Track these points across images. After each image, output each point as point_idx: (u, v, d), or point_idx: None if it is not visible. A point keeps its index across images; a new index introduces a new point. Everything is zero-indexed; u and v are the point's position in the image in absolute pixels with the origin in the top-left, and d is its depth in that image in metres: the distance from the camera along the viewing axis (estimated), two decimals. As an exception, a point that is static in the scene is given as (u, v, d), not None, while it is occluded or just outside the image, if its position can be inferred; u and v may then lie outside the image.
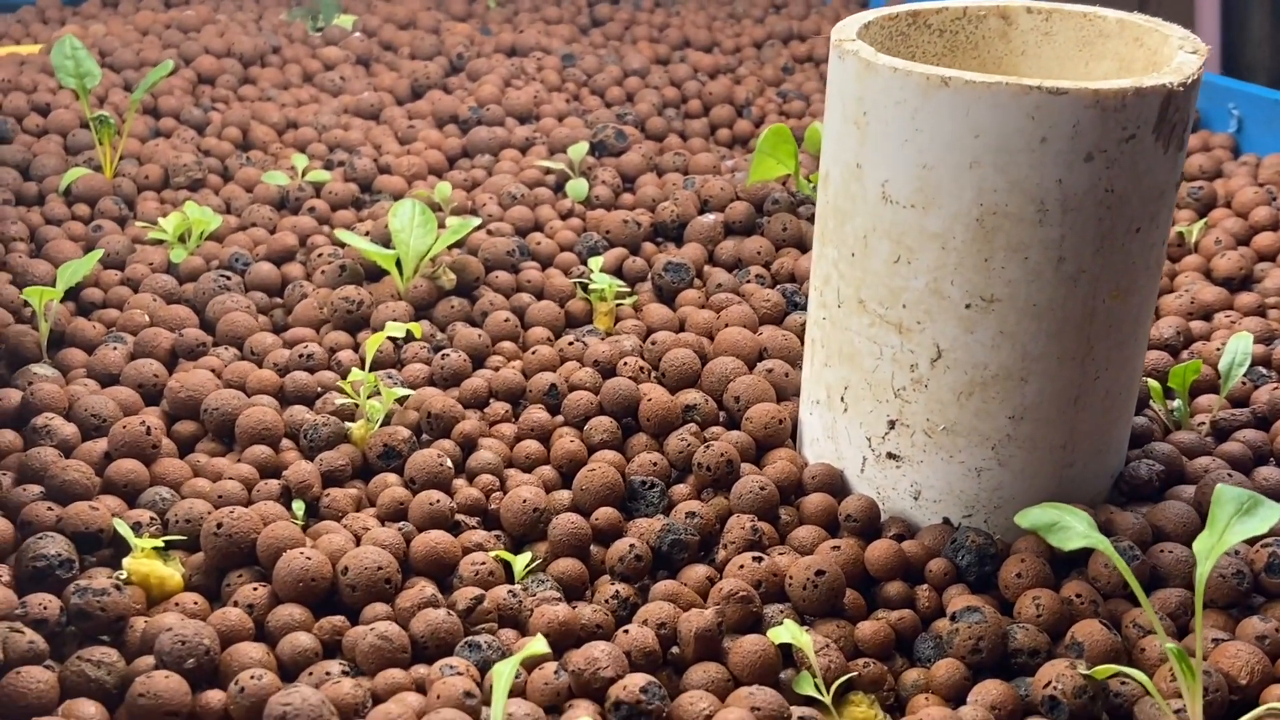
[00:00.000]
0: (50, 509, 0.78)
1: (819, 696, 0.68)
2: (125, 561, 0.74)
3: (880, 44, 0.82)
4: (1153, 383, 0.93)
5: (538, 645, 0.62)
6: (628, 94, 1.53)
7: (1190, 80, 0.73)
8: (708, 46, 1.73)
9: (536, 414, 0.90)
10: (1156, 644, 0.69)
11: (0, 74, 1.43)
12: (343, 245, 1.09)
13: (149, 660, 0.68)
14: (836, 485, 0.84)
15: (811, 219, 1.19)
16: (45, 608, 0.71)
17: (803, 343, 0.94)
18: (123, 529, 0.75)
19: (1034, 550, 0.76)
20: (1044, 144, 0.71)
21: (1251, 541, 0.76)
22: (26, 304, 0.97)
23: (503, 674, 0.60)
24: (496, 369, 0.96)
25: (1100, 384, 0.78)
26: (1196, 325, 1.05)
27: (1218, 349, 0.97)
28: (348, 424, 0.87)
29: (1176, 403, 0.92)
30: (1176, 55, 0.77)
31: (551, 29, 1.79)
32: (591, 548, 0.80)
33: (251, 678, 0.65)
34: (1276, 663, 0.69)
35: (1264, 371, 0.99)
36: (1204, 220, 1.22)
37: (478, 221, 1.11)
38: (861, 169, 0.77)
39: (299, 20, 1.74)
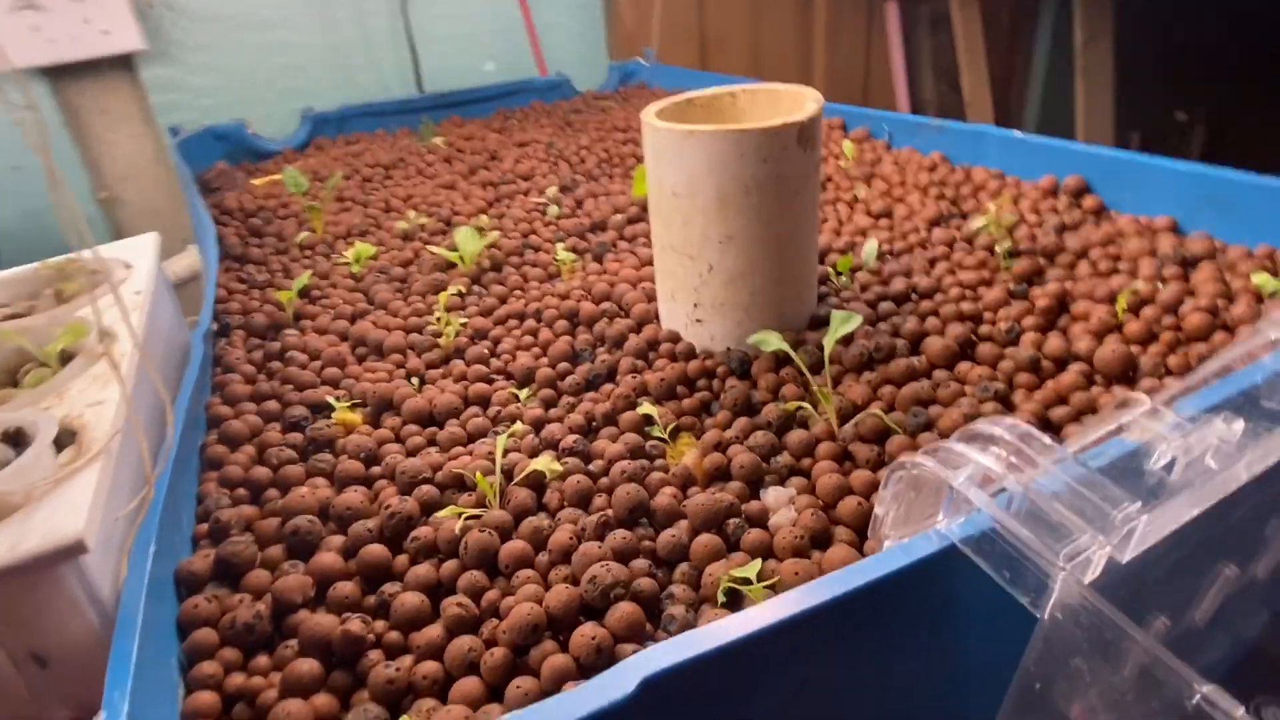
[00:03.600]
0: (296, 393, 0.84)
1: (662, 436, 0.75)
2: (334, 414, 0.80)
3: (670, 117, 0.85)
4: (830, 268, 0.96)
5: (518, 427, 0.69)
6: (581, 158, 1.55)
7: (811, 117, 0.76)
8: (624, 129, 1.73)
9: (530, 323, 0.94)
10: (821, 393, 0.75)
11: (264, 190, 1.47)
12: (432, 253, 1.12)
13: (345, 457, 0.75)
14: (676, 338, 0.86)
15: (670, 210, 1.23)
16: (296, 438, 0.78)
17: (659, 271, 0.98)
18: (331, 400, 0.81)
19: (767, 357, 0.80)
20: (743, 156, 0.74)
21: (856, 337, 0.80)
22: (280, 304, 1.02)
23: (501, 441, 0.67)
24: (511, 304, 1.00)
25: (790, 272, 0.82)
26: (858, 238, 1.08)
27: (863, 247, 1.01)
28: (438, 339, 0.92)
29: (843, 277, 0.96)
30: (808, 106, 0.80)
31: (544, 128, 1.80)
32: (558, 383, 0.83)
33: (392, 458, 0.73)
34: (875, 390, 0.74)
35: (889, 256, 1.02)
36: (868, 184, 1.25)
37: (498, 234, 1.15)
38: (661, 180, 0.80)
39: (415, 143, 1.76)
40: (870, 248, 0.96)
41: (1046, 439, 0.49)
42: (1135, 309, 0.81)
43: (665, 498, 0.63)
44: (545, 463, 0.66)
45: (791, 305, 0.85)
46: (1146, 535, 0.44)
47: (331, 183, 1.28)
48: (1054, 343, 0.77)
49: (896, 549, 0.46)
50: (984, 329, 0.84)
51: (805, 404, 0.72)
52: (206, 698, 0.50)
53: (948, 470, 0.46)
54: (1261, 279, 0.81)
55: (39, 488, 0.50)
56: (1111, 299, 0.83)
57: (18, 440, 0.57)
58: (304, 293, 1.08)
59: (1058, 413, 0.69)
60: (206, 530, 0.64)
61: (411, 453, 0.74)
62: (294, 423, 0.79)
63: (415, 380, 0.86)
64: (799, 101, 0.84)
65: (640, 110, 1.91)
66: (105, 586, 0.53)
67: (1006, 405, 0.71)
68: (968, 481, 0.45)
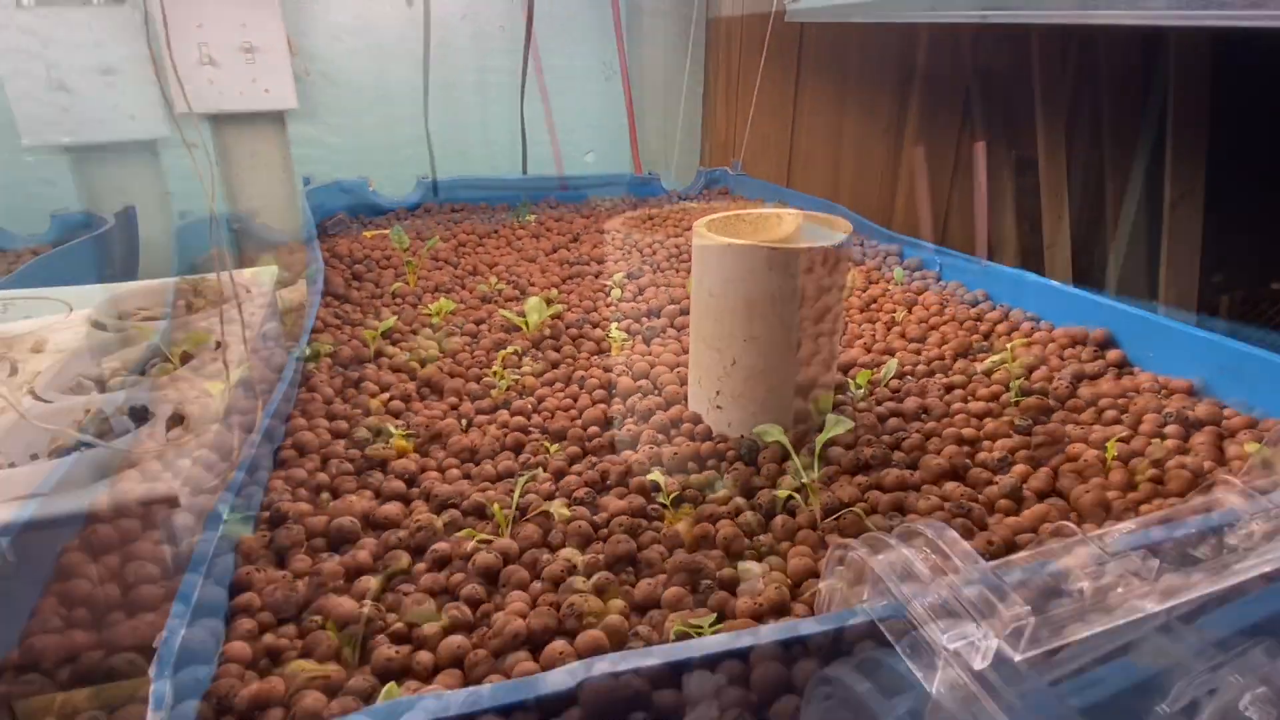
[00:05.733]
0: (364, 417, 0.97)
1: (664, 501, 0.83)
2: (391, 440, 0.92)
3: (720, 227, 0.96)
4: (851, 379, 1.04)
5: (539, 473, 0.79)
6: (653, 250, 1.69)
7: (836, 245, 0.87)
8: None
9: (573, 389, 1.06)
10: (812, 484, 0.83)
11: (372, 241, 1.66)
12: (503, 316, 1.25)
13: (392, 477, 0.87)
14: (697, 419, 0.95)
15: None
16: (356, 455, 0.91)
17: (696, 360, 1.09)
18: (390, 428, 0.94)
19: (774, 449, 0.88)
20: (771, 270, 0.85)
21: (858, 443, 0.88)
22: (365, 341, 1.16)
23: (520, 481, 0.77)
24: (560, 369, 1.12)
25: (808, 375, 0.91)
26: (886, 357, 1.15)
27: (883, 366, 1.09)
28: (492, 390, 1.04)
29: (861, 389, 1.03)
30: (837, 235, 0.91)
31: (629, 220, 1.96)
32: (585, 443, 0.93)
33: (430, 483, 0.84)
34: (864, 493, 0.81)
35: (910, 377, 1.10)
36: (910, 310, 1.33)
37: (563, 307, 1.27)
38: (701, 282, 0.92)
39: (512, 218, 1.94)
40: (890, 365, 1.04)
41: (968, 546, 0.56)
42: (1125, 459, 0.86)
43: (653, 553, 0.71)
44: (556, 507, 0.76)
45: (803, 406, 0.93)
46: (1039, 638, 0.50)
47: (430, 244, 1.46)
48: (1040, 477, 0.83)
49: (822, 618, 0.54)
50: (980, 455, 0.90)
51: (797, 495, 0.80)
52: (240, 647, 0.61)
53: (874, 556, 0.54)
54: (1253, 446, 0.86)
55: (152, 453, 0.63)
56: (1101, 446, 0.88)
57: (142, 416, 0.71)
58: (387, 334, 1.23)
59: (1024, 539, 0.75)
60: (268, 517, 0.77)
61: (448, 481, 0.85)
62: (357, 442, 0.92)
63: (464, 422, 0.98)
64: (835, 228, 0.94)
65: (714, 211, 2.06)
66: (182, 537, 0.65)
67: (979, 525, 0.77)
68: (888, 567, 0.53)
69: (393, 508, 0.77)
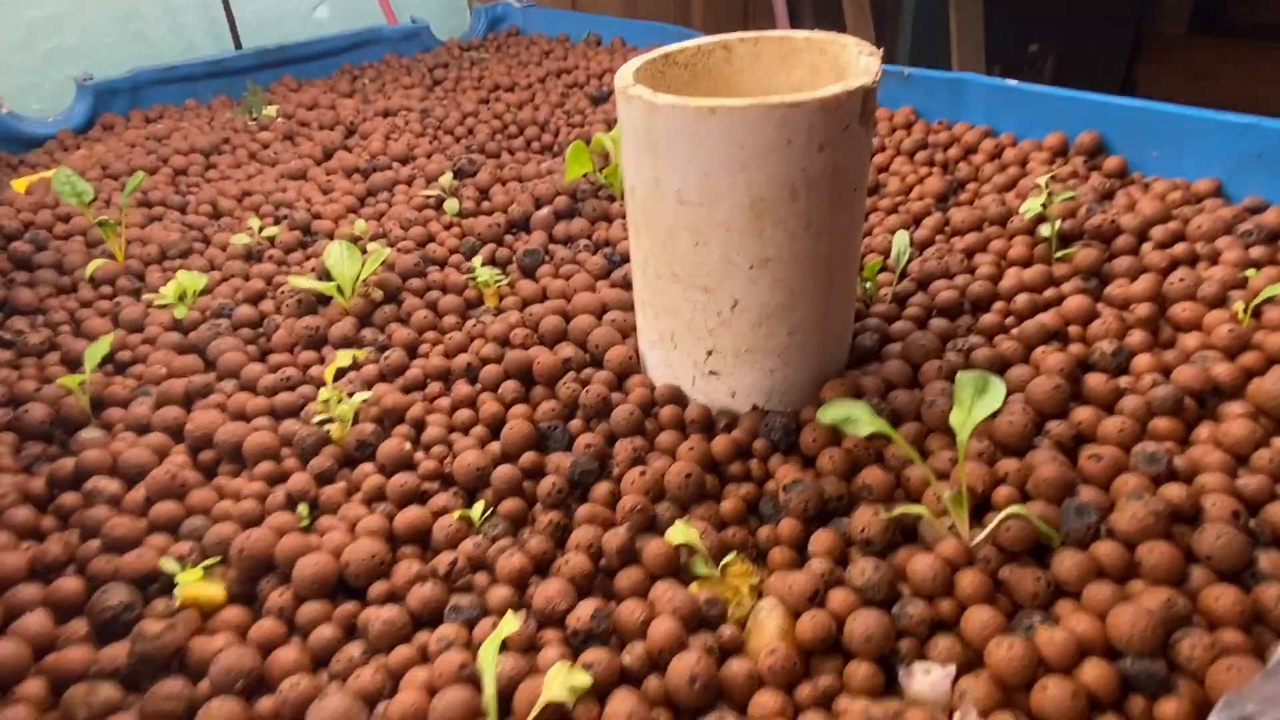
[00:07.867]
0: (111, 556, 0.53)
1: (709, 571, 0.50)
2: (177, 591, 0.50)
3: (646, 82, 0.58)
4: (859, 276, 0.74)
5: (509, 624, 0.42)
6: (468, 129, 1.24)
7: (878, 78, 0.53)
8: (510, 87, 1.43)
9: (463, 389, 0.66)
10: (916, 472, 0.53)
11: (31, 197, 1.06)
12: (296, 286, 0.79)
13: (210, 689, 0.45)
14: (678, 397, 0.62)
15: (609, 199, 0.96)
16: (120, 654, 0.48)
17: (630, 295, 0.73)
18: (169, 565, 0.51)
19: (817, 424, 0.57)
20: (789, 143, 0.50)
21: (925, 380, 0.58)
22: (66, 389, 0.67)
23: (489, 656, 0.40)
24: (426, 355, 0.72)
25: (838, 299, 0.59)
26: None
27: (883, 243, 0.80)
28: (327, 428, 0.63)
29: (869, 284, 0.73)
30: (858, 60, 0.56)
31: (409, 92, 1.45)
32: (524, 484, 0.58)
33: (293, 683, 0.44)
34: (992, 465, 0.53)
35: (910, 249, 0.81)
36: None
37: (386, 249, 0.83)
38: (660, 182, 0.54)
39: (239, 115, 1.37)
40: (901, 243, 0.74)
41: None
42: (1256, 313, 0.64)
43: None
44: (561, 677, 0.40)
45: (835, 345, 0.62)
46: None
47: (131, 185, 0.91)
48: (1186, 372, 0.59)
49: None
50: (1074, 348, 0.64)
51: (912, 508, 0.50)
52: None
53: None
54: (1380, 260, 0.66)
55: None
56: (1221, 301, 0.65)
57: None
58: (107, 358, 0.74)
59: (1247, 486, 0.51)
60: None
61: (320, 658, 0.45)
62: (110, 617, 0.48)
63: (305, 508, 0.56)
64: (832, 56, 0.59)
65: (518, 61, 1.59)
66: None
67: (1186, 480, 0.51)
68: None
69: (237, 784, 0.38)
